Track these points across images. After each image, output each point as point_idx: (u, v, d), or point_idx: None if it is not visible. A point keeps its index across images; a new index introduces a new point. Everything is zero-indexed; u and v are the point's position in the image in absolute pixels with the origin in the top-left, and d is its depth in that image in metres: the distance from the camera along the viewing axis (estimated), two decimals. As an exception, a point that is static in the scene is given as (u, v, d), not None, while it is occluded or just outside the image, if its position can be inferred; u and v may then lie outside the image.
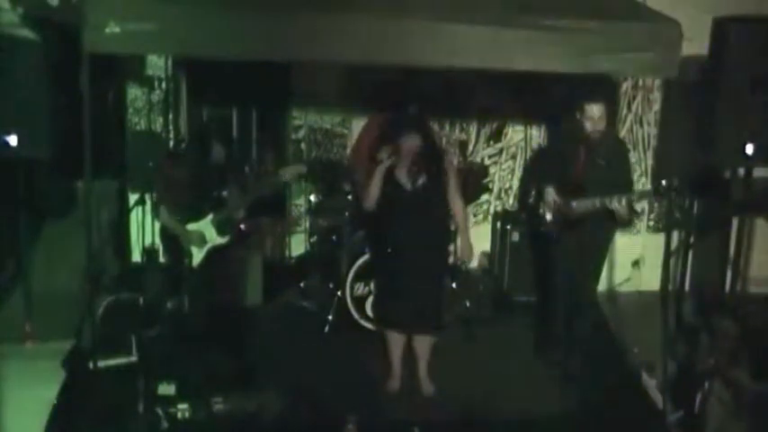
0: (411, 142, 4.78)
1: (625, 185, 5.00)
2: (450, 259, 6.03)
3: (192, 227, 5.13)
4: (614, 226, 5.31)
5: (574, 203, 5.03)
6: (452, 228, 5.33)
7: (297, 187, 6.75)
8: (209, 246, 5.16)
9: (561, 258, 5.25)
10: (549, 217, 5.17)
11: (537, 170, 6.01)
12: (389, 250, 4.93)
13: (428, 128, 5.12)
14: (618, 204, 4.85)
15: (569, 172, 5.09)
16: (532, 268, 6.13)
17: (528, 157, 6.87)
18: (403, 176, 4.85)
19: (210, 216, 5.16)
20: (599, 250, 5.28)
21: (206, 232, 5.16)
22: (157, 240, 5.61)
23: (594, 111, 4.88)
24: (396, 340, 5.07)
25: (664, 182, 4.75)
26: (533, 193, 5.32)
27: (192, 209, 5.14)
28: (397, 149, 4.83)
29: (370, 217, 5.11)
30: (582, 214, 5.03)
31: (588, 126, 4.91)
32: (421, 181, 4.84)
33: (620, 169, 5.10)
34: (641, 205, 6.76)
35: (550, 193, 5.14)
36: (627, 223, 5.19)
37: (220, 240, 5.19)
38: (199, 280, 5.24)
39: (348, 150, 6.75)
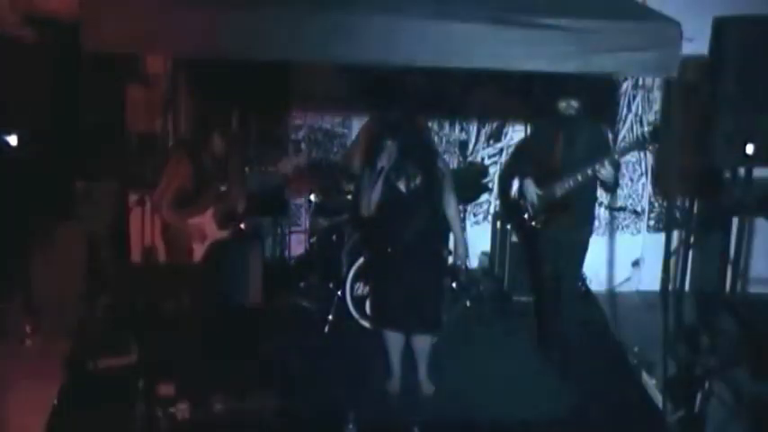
0: (397, 143, 4.78)
1: (605, 153, 5.04)
2: (450, 259, 6.04)
3: (192, 221, 5.13)
4: (594, 209, 5.41)
5: (556, 188, 5.10)
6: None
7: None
8: (209, 241, 5.16)
9: (546, 250, 5.30)
10: (530, 210, 5.24)
11: (515, 164, 6.09)
12: (388, 250, 4.92)
13: (419, 129, 5.10)
14: (602, 170, 4.92)
15: (548, 157, 5.17)
16: (522, 259, 6.17)
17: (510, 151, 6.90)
18: (397, 178, 4.84)
19: (210, 211, 5.16)
20: (580, 237, 5.27)
21: (206, 227, 5.17)
22: (157, 240, 5.60)
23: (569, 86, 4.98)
24: (394, 340, 5.07)
25: (647, 130, 4.82)
26: (515, 188, 5.39)
27: (192, 203, 5.14)
28: (390, 152, 4.81)
29: (365, 218, 5.10)
30: (567, 197, 5.07)
31: (562, 105, 5.00)
32: (416, 182, 4.83)
33: (598, 141, 5.18)
34: (642, 204, 6.81)
35: (530, 186, 5.22)
36: (613, 187, 5.26)
37: (221, 235, 5.20)
38: (200, 275, 5.24)
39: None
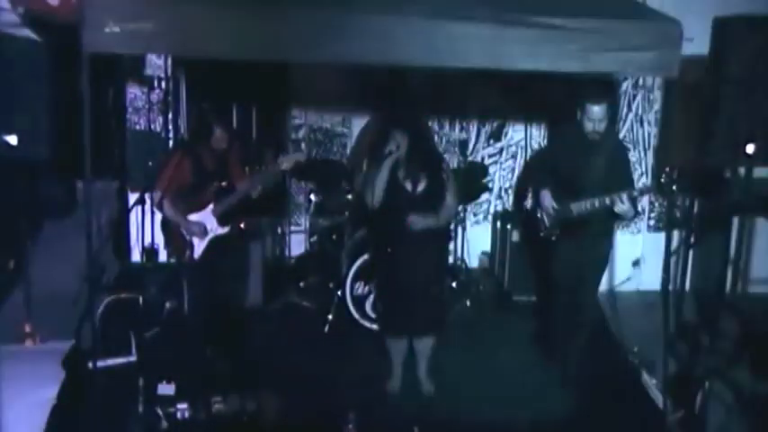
0: (405, 137, 4.77)
1: (626, 185, 4.90)
2: (450, 259, 6.04)
3: (192, 217, 5.13)
4: (613, 230, 5.28)
5: (572, 206, 4.95)
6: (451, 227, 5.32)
7: (296, 185, 6.78)
8: (210, 236, 5.16)
9: (561, 263, 5.16)
10: (546, 222, 5.09)
11: (533, 173, 5.85)
12: (388, 251, 4.92)
13: (423, 129, 5.09)
14: (620, 203, 4.76)
15: (567, 174, 5.02)
16: (532, 270, 6.12)
17: (527, 158, 6.86)
18: (405, 179, 4.84)
19: (211, 206, 5.15)
20: (600, 255, 5.16)
21: (207, 223, 5.16)
22: (157, 240, 5.60)
23: (596, 111, 4.80)
24: (398, 343, 5.07)
25: (664, 175, 4.71)
26: (530, 197, 5.24)
27: (193, 199, 5.13)
28: (398, 140, 4.79)
29: (370, 218, 5.09)
30: (582, 217, 4.94)
31: (588, 126, 4.84)
32: (422, 183, 4.83)
33: (621, 169, 5.02)
34: (641, 203, 6.80)
35: (547, 197, 5.06)
36: (630, 220, 5.13)
37: (221, 231, 5.19)
38: (201, 271, 5.23)
39: (348, 150, 6.76)
